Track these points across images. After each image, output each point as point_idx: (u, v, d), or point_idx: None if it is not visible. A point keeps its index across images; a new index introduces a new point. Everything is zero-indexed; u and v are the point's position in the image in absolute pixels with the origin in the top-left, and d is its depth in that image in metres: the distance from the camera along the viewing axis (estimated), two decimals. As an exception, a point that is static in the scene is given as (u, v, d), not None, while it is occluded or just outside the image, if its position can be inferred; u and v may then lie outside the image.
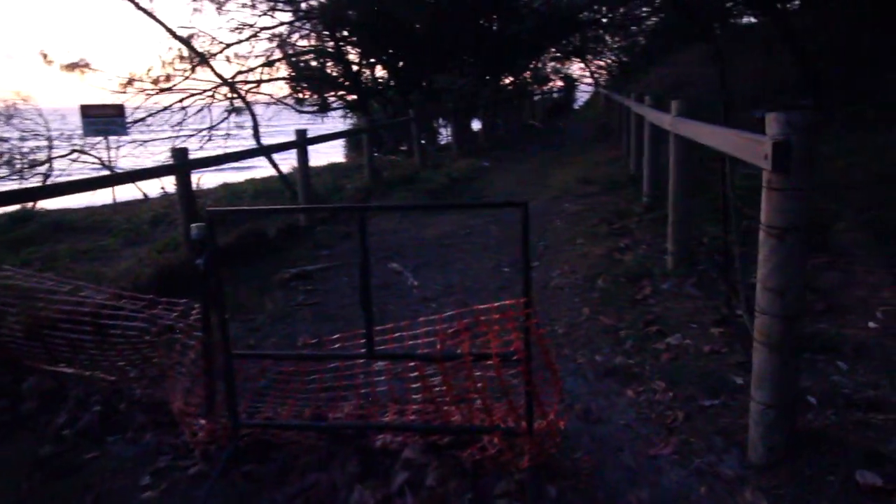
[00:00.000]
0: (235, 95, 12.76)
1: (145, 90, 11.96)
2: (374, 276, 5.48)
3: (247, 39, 13.47)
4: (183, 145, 11.03)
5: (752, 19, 18.50)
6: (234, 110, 13.64)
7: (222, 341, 2.52)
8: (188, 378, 2.72)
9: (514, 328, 2.28)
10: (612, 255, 4.99)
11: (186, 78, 11.55)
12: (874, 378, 2.63)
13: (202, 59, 10.82)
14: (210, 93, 12.95)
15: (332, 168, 14.25)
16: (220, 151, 11.12)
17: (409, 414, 2.57)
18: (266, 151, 8.38)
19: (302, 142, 7.14)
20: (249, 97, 15.06)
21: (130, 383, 3.12)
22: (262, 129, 11.36)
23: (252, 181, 13.39)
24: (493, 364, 2.24)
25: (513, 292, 4.73)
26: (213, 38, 12.57)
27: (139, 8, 9.75)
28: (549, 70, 33.02)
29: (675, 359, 3.09)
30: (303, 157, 7.14)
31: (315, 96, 19.92)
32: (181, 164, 5.30)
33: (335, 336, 2.72)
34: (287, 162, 11.51)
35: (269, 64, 16.16)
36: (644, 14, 24.33)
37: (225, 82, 11.05)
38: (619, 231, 5.70)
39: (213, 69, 10.65)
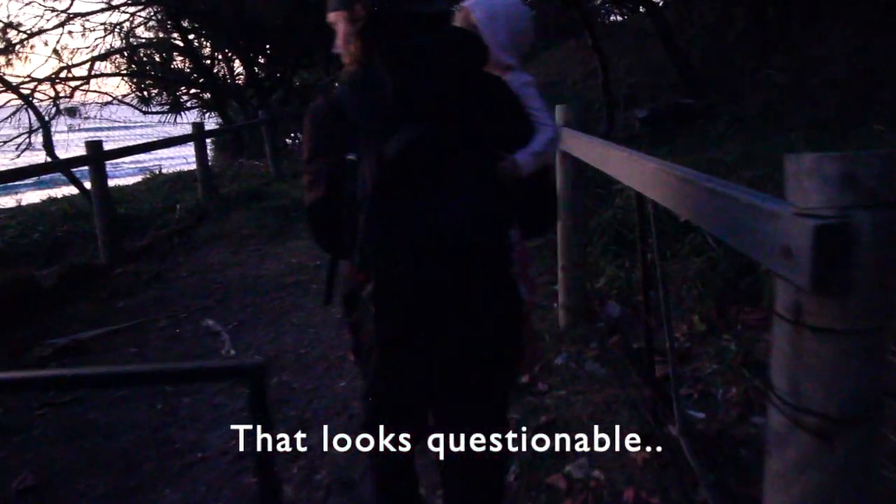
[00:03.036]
0: (58, 95, 10.85)
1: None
2: (182, 342, 4.06)
3: (58, 26, 11.29)
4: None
5: (619, 17, 18.39)
6: (61, 112, 11.63)
7: None
8: None
9: None
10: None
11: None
12: None
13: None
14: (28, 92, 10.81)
15: (178, 177, 12.35)
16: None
17: None
18: (63, 165, 6.64)
19: (96, 156, 5.49)
20: (80, 96, 12.96)
21: None
22: (121, 132, 9.42)
23: (76, 197, 11.31)
24: None
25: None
26: (11, 25, 10.32)
27: None
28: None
29: (581, 510, 1.99)
30: (99, 175, 5.50)
31: (164, 94, 17.74)
32: None
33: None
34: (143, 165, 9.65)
35: (103, 57, 13.93)
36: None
37: (9, 87, 9.00)
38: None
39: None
